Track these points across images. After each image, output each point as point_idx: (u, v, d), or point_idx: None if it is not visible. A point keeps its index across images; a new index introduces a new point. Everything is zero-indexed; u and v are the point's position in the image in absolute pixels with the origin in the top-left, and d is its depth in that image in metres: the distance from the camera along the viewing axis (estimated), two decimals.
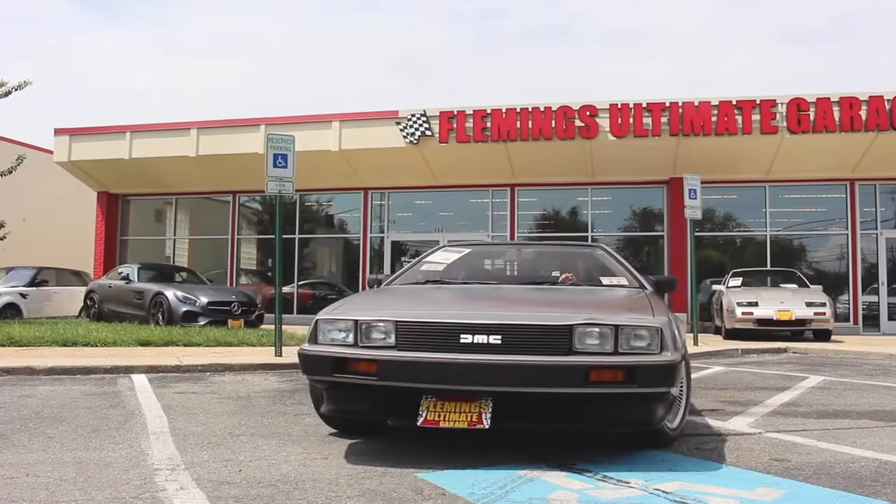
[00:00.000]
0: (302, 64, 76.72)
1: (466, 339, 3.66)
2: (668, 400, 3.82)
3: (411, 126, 16.61)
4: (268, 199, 19.13)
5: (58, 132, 19.49)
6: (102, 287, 15.97)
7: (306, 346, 3.94)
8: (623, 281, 5.14)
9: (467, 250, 6.04)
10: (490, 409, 3.59)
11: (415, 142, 16.62)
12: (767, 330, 13.10)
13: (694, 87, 74.48)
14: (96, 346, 10.03)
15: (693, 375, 8.11)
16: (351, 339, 3.85)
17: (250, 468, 3.63)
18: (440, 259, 5.71)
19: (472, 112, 16.37)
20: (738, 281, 14.71)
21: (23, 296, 16.92)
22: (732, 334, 13.35)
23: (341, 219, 19.91)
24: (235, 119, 18.35)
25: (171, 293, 13.89)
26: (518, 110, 16.10)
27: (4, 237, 15.62)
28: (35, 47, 70.27)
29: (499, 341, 3.64)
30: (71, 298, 17.78)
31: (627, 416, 3.74)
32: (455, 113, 16.46)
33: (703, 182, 12.86)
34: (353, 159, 17.46)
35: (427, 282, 5.21)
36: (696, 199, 12.54)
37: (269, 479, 3.40)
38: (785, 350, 11.64)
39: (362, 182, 18.37)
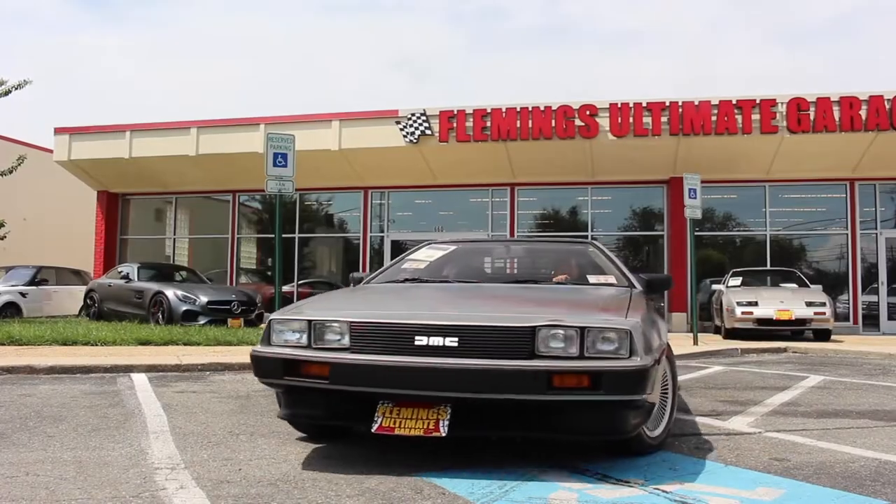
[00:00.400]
0: (301, 63, 76.75)
1: (421, 340, 3.45)
2: (642, 407, 3.53)
3: (411, 125, 16.61)
4: (268, 199, 19.14)
5: (58, 131, 19.50)
6: (102, 286, 15.97)
7: (258, 348, 3.78)
8: (611, 279, 4.94)
9: (452, 248, 5.79)
10: (448, 416, 3.39)
11: (415, 141, 16.62)
12: (767, 329, 13.10)
13: (694, 87, 74.58)
14: (96, 345, 10.02)
15: (692, 375, 8.15)
16: (304, 340, 3.68)
17: (250, 467, 3.63)
18: (423, 257, 5.53)
19: (472, 111, 16.38)
20: (737, 280, 14.72)
21: (23, 295, 16.93)
22: (732, 334, 13.36)
23: (341, 218, 19.92)
24: (235, 118, 18.36)
25: (170, 292, 13.90)
26: (518, 110, 16.11)
27: (5, 236, 15.62)
28: (35, 47, 70.30)
29: (455, 343, 3.42)
30: (71, 297, 17.80)
31: (596, 424, 3.50)
32: (455, 112, 16.47)
33: (703, 182, 12.86)
34: (352, 158, 17.47)
35: (405, 280, 5.05)
36: (695, 198, 12.54)
37: (269, 478, 3.40)
38: (785, 350, 11.64)
39: (362, 181, 18.37)
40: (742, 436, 4.58)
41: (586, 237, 16.95)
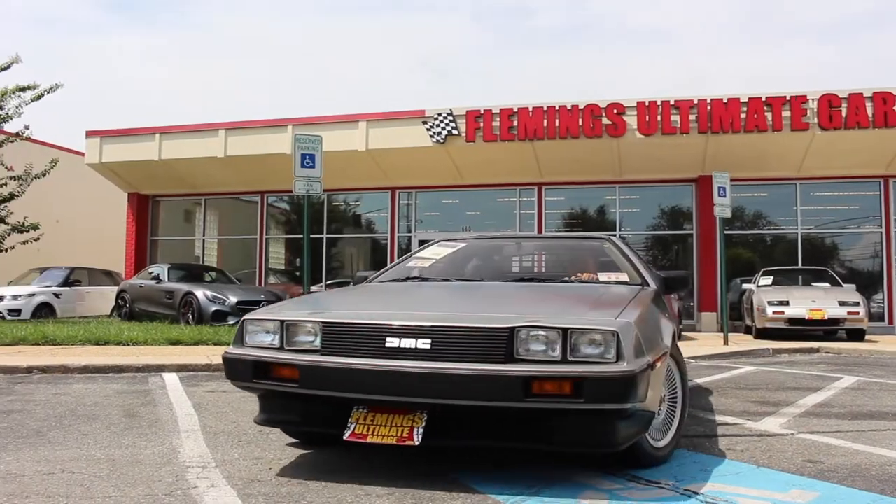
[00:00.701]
0: (327, 65, 77.06)
1: (393, 342, 3.26)
2: (634, 417, 3.25)
3: (438, 125, 16.63)
4: (296, 199, 19.25)
5: (89, 134, 19.77)
6: (133, 287, 16.17)
7: (230, 349, 3.66)
8: (623, 277, 4.68)
9: (462, 245, 5.62)
10: (423, 424, 3.19)
11: (441, 141, 16.63)
12: (799, 329, 12.93)
13: (721, 83, 73.93)
14: (128, 345, 10.14)
15: (723, 375, 8.07)
16: (277, 341, 3.52)
17: (280, 466, 3.65)
18: (430, 255, 5.37)
19: (498, 111, 16.36)
20: (768, 280, 14.55)
21: (56, 296, 17.19)
22: (763, 334, 13.21)
23: (369, 218, 19.99)
24: (263, 120, 18.48)
25: (200, 293, 14.02)
26: (545, 109, 16.06)
27: (39, 238, 15.87)
28: (65, 50, 71.25)
29: (427, 346, 3.22)
30: (103, 298, 18.04)
31: (582, 435, 3.21)
32: (482, 112, 16.46)
33: (732, 180, 12.74)
34: (380, 159, 17.52)
35: (407, 279, 4.89)
36: (725, 197, 12.42)
37: (299, 478, 3.42)
38: (817, 350, 11.49)
39: (389, 182, 18.41)
40: (774, 437, 4.52)
41: (614, 235, 16.87)
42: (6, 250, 15.91)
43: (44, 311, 16.66)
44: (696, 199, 17.00)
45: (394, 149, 17.15)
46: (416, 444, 3.14)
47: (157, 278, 15.46)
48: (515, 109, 16.25)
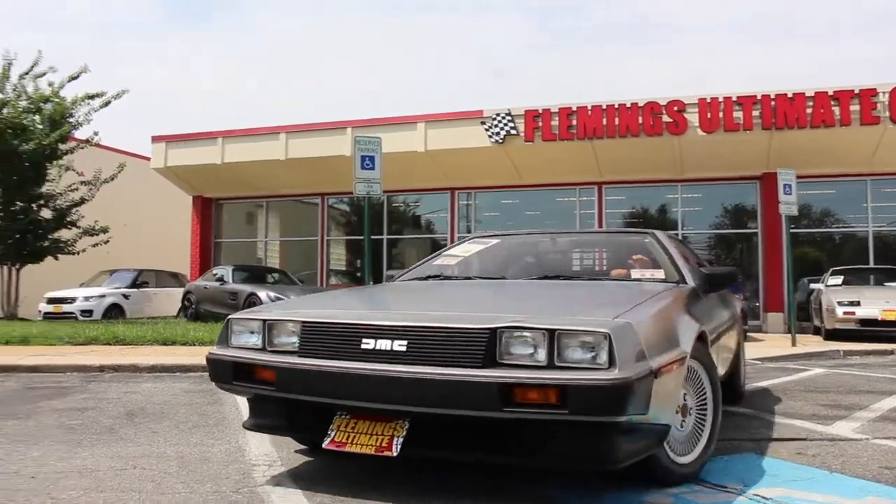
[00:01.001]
0: (382, 66, 77.59)
1: (368, 344, 3.05)
2: (645, 431, 2.92)
3: (496, 125, 16.60)
4: (356, 201, 19.43)
5: (155, 139, 20.27)
6: (199, 288, 16.51)
7: (214, 349, 3.52)
8: (659, 274, 4.31)
9: (494, 242, 5.39)
10: (404, 433, 2.96)
11: (500, 141, 16.60)
12: (871, 331, 12.51)
13: (786, 79, 72.22)
14: (194, 344, 10.36)
15: (791, 377, 7.87)
16: (260, 341, 3.37)
17: (345, 466, 3.67)
18: (459, 252, 5.18)
19: (557, 110, 16.25)
20: (838, 279, 14.13)
21: (125, 297, 17.69)
22: (833, 335, 12.83)
23: (428, 219, 20.07)
24: (323, 122, 18.69)
25: (263, 294, 14.24)
26: (604, 107, 15.90)
27: (108, 241, 16.34)
28: (130, 57, 73.17)
29: (403, 348, 2.98)
30: (169, 299, 18.49)
31: (572, 450, 2.91)
32: (540, 111, 16.37)
33: (798, 177, 12.41)
34: (439, 160, 17.56)
35: (428, 277, 4.67)
36: (791, 194, 12.12)
37: (364, 477, 3.45)
38: (892, 352, 11.11)
39: (449, 182, 18.45)
40: (848, 442, 4.38)
41: (676, 235, 16.62)
42: (77, 253, 16.42)
43: (114, 311, 17.15)
44: (760, 197, 16.63)
45: (452, 149, 17.18)
46: (394, 454, 2.92)
47: (221, 280, 15.76)
48: (574, 108, 16.13)
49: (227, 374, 3.38)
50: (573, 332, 2.85)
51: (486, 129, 16.70)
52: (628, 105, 15.73)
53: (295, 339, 3.27)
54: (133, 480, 3.37)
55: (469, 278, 4.68)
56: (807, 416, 5.27)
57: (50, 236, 15.97)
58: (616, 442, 2.87)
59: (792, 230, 12.98)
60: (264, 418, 3.52)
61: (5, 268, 15.85)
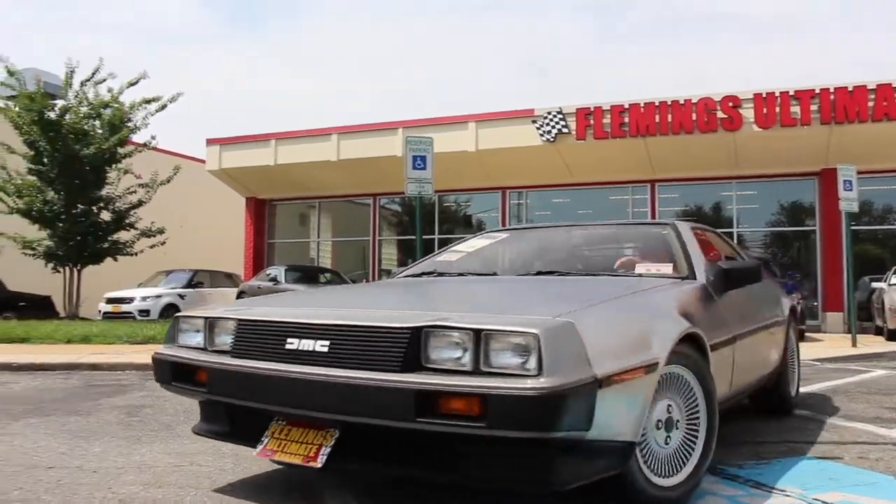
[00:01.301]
0: (432, 66, 77.78)
1: (292, 343, 2.82)
2: (597, 449, 2.55)
3: (547, 124, 16.52)
4: (407, 201, 19.51)
5: (209, 142, 20.64)
6: (252, 288, 16.73)
7: (161, 348, 3.38)
8: (666, 269, 3.87)
9: (504, 235, 5.11)
10: (333, 442, 2.72)
11: (551, 140, 16.51)
12: None
13: (844, 72, 70.47)
14: None
15: (852, 378, 7.66)
16: (202, 341, 3.21)
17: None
18: (465, 247, 4.90)
19: (608, 108, 16.11)
20: None
21: (181, 297, 18.03)
22: None
23: (480, 218, 20.06)
24: (374, 123, 18.82)
25: None
26: (657, 104, 15.71)
27: (164, 242, 16.67)
28: (185, 62, 74.56)
29: (325, 348, 2.73)
30: (224, 299, 18.76)
31: (500, 469, 2.56)
32: (592, 109, 16.25)
33: (859, 172, 12.09)
34: (490, 159, 17.54)
35: (422, 273, 4.46)
36: (851, 190, 11.81)
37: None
38: None
39: (500, 182, 18.42)
40: None
41: (731, 234, 16.35)
42: (135, 254, 16.79)
43: (170, 311, 17.48)
44: (818, 194, 16.26)
45: (503, 149, 17.14)
46: (319, 466, 2.70)
47: (274, 280, 15.96)
48: (626, 106, 15.97)
49: (167, 374, 3.24)
50: (501, 332, 2.49)
51: (538, 128, 16.63)
52: (681, 101, 15.52)
53: (230, 338, 3.09)
54: (190, 477, 3.43)
55: (462, 275, 4.34)
56: (869, 419, 5.12)
57: (109, 238, 16.36)
58: (557, 461, 2.52)
59: (852, 227, 12.64)
60: (211, 423, 3.35)
61: (67, 269, 16.27)
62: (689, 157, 16.04)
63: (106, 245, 16.31)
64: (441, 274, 4.38)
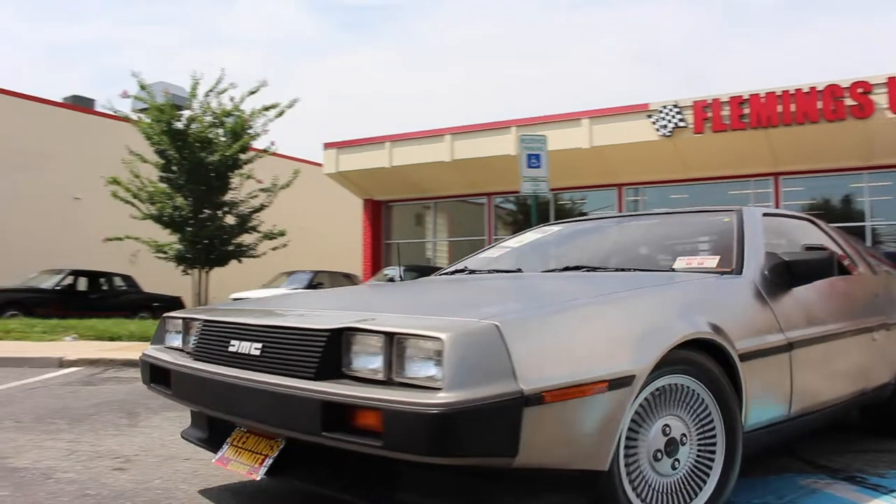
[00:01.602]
0: (544, 64, 77.23)
1: (234, 346, 2.67)
2: (542, 479, 2.20)
3: (663, 118, 16.14)
4: (521, 199, 19.46)
5: (326, 146, 21.18)
6: None
7: (148, 349, 3.30)
8: (709, 262, 3.35)
9: (557, 229, 4.76)
10: (276, 454, 2.53)
11: (668, 134, 16.12)
12: None
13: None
14: None
15: None
16: (180, 342, 3.14)
17: None
18: (514, 242, 4.63)
19: (727, 99, 15.58)
20: None
21: None
22: None
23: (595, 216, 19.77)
24: (486, 123, 18.85)
25: None
26: (778, 94, 15.08)
27: (286, 245, 17.21)
28: (301, 69, 76.77)
29: (258, 352, 2.55)
30: None
31: (444, 498, 2.25)
32: (709, 101, 15.76)
33: None
34: (604, 156, 17.29)
35: (455, 271, 4.25)
36: None
37: None
38: None
39: (615, 178, 18.12)
40: None
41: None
42: (259, 256, 17.39)
43: None
44: None
45: (618, 145, 16.85)
46: (257, 478, 2.56)
47: (392, 280, 16.21)
48: (746, 96, 15.40)
49: (146, 375, 3.18)
50: (413, 336, 2.17)
51: (653, 123, 16.28)
52: (805, 90, 14.84)
53: (194, 341, 2.99)
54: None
55: (491, 272, 4.04)
56: None
57: (234, 241, 16.98)
58: (494, 493, 2.20)
59: None
60: (194, 428, 3.26)
61: (196, 271, 17.00)
62: (815, 147, 15.31)
63: (231, 248, 16.93)
64: (472, 272, 4.13)
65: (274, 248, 17.34)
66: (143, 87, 16.13)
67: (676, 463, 2.53)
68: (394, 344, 2.19)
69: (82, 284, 18.73)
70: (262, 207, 17.26)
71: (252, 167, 17.25)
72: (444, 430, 1.98)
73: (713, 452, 2.63)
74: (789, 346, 3.06)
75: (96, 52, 72.36)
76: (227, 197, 17.02)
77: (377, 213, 21.94)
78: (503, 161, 17.16)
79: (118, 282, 19.20)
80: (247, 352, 2.60)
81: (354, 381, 2.26)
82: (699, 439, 2.62)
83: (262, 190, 17.24)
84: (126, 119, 16.49)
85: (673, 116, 16.03)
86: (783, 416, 3.05)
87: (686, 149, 16.38)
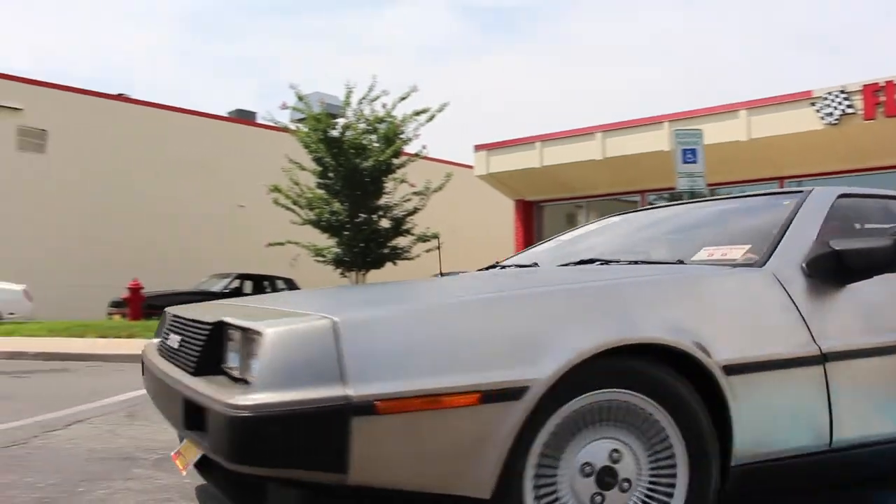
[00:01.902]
0: (694, 57, 74.64)
1: (169, 339, 2.67)
2: (370, 497, 1.93)
3: (828, 105, 15.20)
4: (676, 196, 18.90)
5: (477, 148, 21.38)
6: None
7: (151, 341, 3.24)
8: (735, 252, 2.78)
9: (614, 220, 4.30)
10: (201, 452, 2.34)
11: (834, 122, 15.17)
12: None
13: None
14: None
15: None
16: (162, 335, 3.04)
17: None
18: (568, 235, 4.37)
19: None
20: None
21: None
22: None
23: None
24: (638, 119, 18.44)
25: None
26: None
27: (439, 247, 17.50)
28: (448, 74, 77.82)
29: (177, 345, 2.49)
30: None
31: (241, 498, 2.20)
32: (882, 85, 14.69)
33: None
34: (763, 147, 16.49)
35: (488, 267, 4.02)
36: None
37: None
38: None
39: (776, 171, 17.24)
40: None
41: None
42: (413, 258, 17.78)
43: None
44: None
45: (778, 136, 16.01)
46: (184, 473, 2.50)
47: None
48: None
49: (142, 367, 3.09)
50: (246, 331, 2.04)
51: (817, 111, 15.36)
52: None
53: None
54: None
55: (523, 266, 3.69)
56: None
57: (389, 244, 17.46)
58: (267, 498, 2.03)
59: None
60: None
61: (354, 273, 17.59)
62: None
63: (386, 251, 17.42)
64: (504, 267, 3.85)
65: (428, 251, 17.68)
66: (300, 98, 16.88)
67: (626, 487, 2.14)
68: (245, 340, 2.03)
69: (248, 287, 19.89)
70: (415, 210, 17.65)
71: (405, 171, 17.67)
72: (246, 434, 1.80)
73: (672, 486, 2.18)
74: (822, 358, 2.46)
75: (255, 66, 76.39)
76: (382, 201, 17.52)
77: (529, 214, 21.91)
78: (655, 157, 16.72)
79: (280, 284, 20.25)
80: (174, 345, 2.56)
81: (228, 378, 2.10)
82: (652, 471, 2.19)
83: (415, 193, 17.61)
84: (285, 129, 17.32)
85: (840, 103, 15.06)
86: (816, 447, 2.46)
87: (855, 137, 15.34)
